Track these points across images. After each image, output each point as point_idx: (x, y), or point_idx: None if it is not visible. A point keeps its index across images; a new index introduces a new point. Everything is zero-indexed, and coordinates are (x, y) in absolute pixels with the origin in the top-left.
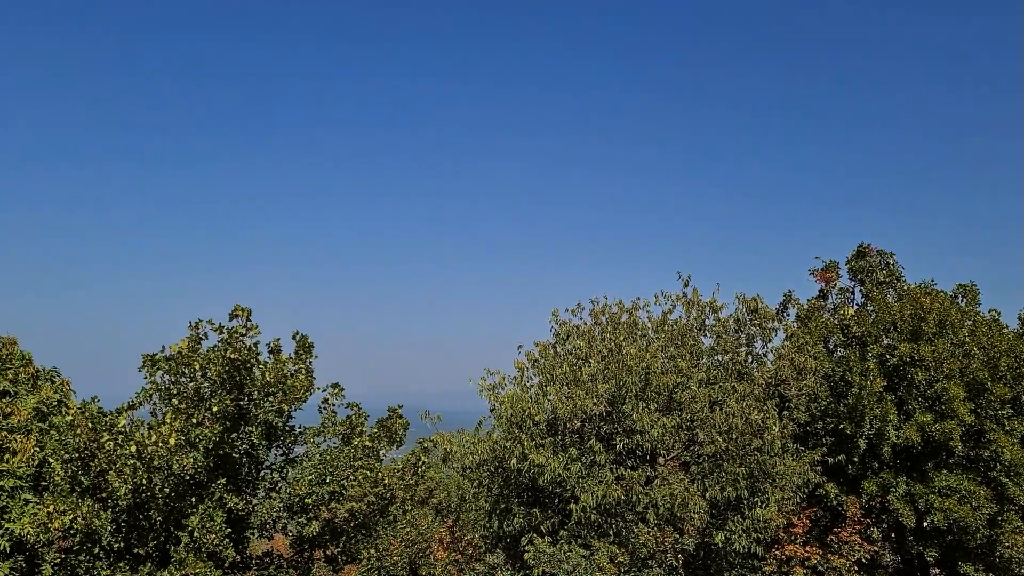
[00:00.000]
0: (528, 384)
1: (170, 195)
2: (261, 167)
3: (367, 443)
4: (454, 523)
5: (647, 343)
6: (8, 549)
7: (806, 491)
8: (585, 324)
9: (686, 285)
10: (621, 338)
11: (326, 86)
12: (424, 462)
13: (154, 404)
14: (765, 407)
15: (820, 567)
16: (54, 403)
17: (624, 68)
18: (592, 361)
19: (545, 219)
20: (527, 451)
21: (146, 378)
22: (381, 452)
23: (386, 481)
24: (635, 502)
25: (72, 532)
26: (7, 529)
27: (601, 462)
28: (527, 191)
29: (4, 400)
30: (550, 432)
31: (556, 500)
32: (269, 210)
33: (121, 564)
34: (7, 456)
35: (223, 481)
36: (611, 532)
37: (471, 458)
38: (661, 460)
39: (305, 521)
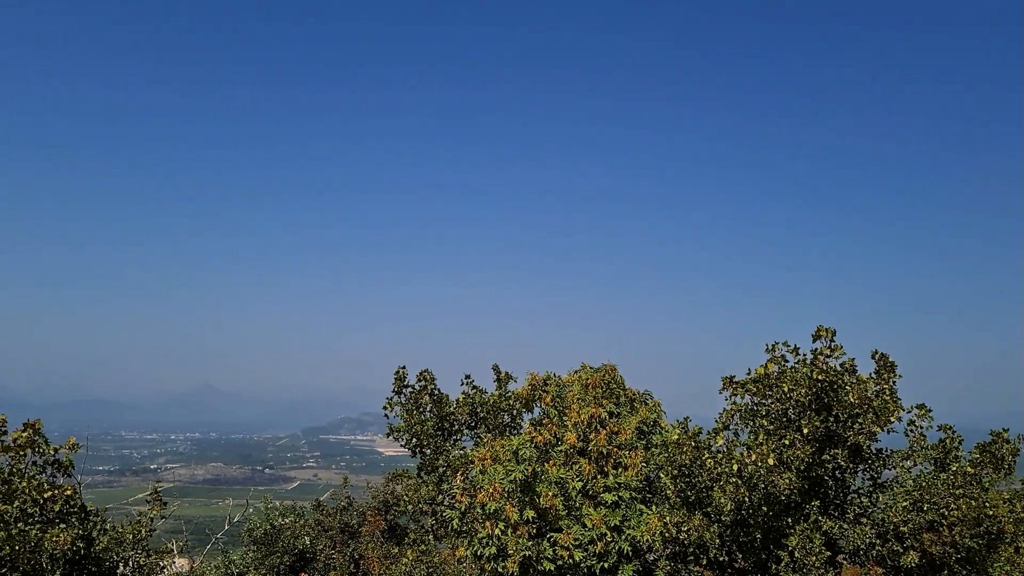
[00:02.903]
0: None
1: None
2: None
3: (968, 469)
4: None
5: None
6: (630, 554)
7: None
8: None
9: None
10: None
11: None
12: None
13: (736, 424)
14: None
15: None
16: (651, 422)
17: None
18: None
19: None
20: None
21: (727, 399)
22: (985, 480)
23: (991, 513)
24: None
25: (684, 542)
26: (629, 535)
27: None
28: None
29: (612, 420)
30: None
31: None
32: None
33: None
34: (620, 470)
35: (816, 503)
36: None
37: None
38: None
39: (901, 550)
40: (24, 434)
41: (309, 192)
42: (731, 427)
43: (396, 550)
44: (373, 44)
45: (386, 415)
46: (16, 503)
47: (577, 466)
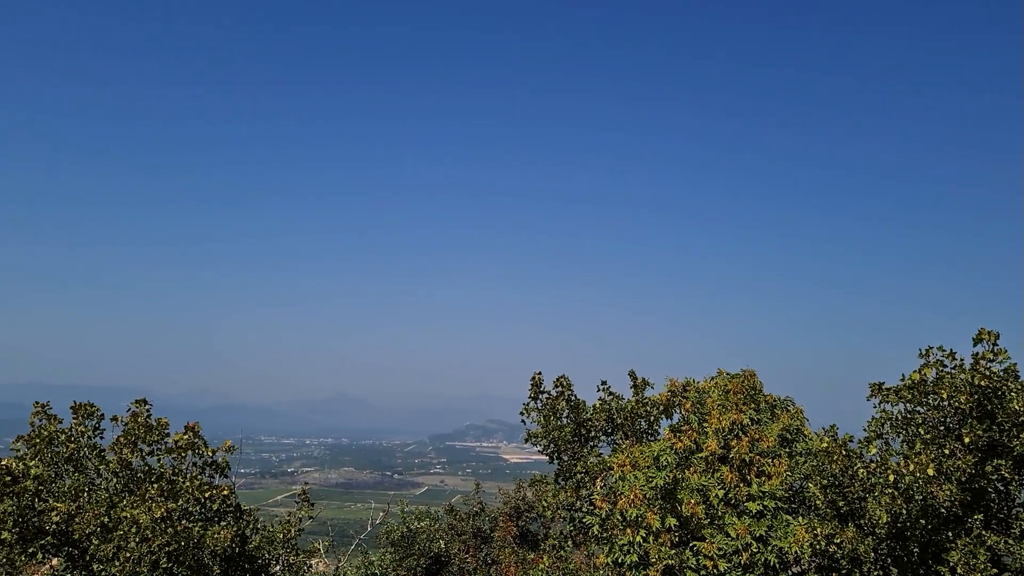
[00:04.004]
0: None
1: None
2: None
3: None
4: None
5: None
6: (776, 565)
7: None
8: None
9: None
10: None
11: None
12: None
13: (887, 433)
14: None
15: None
16: (794, 430)
17: None
18: None
19: None
20: None
21: (875, 407)
22: None
23: None
24: None
25: (835, 556)
26: (775, 546)
27: None
28: None
29: (753, 427)
30: None
31: None
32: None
33: None
34: (763, 479)
35: (979, 516)
36: None
37: None
38: None
39: None
40: (185, 436)
41: (435, 192)
42: (883, 435)
43: (532, 555)
44: (413, 48)
45: (523, 421)
46: (180, 501)
47: (719, 474)
